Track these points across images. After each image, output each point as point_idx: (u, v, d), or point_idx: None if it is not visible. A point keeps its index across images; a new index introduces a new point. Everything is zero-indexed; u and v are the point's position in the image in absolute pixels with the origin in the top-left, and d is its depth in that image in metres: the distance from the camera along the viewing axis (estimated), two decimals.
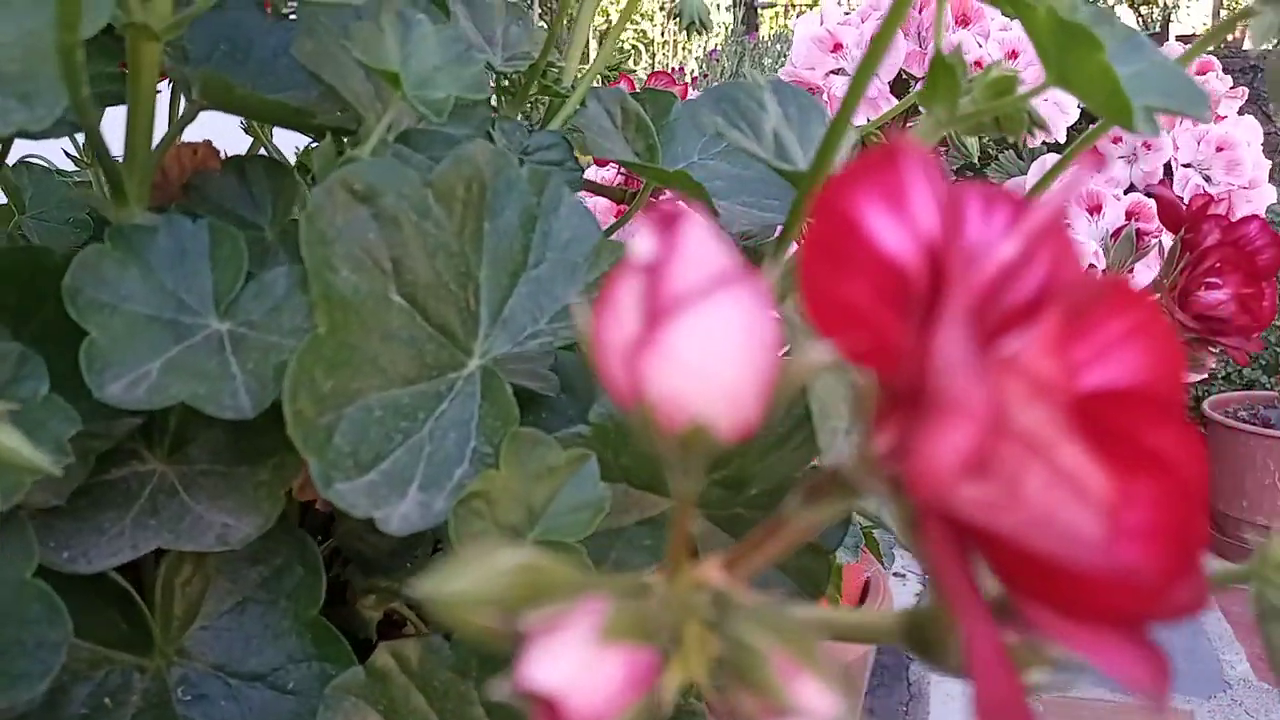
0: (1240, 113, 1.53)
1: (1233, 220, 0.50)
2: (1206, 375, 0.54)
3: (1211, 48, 1.52)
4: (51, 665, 0.32)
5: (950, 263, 0.13)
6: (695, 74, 3.66)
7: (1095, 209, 1.18)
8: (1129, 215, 1.10)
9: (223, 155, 0.45)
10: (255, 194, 0.43)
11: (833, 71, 1.17)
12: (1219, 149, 1.42)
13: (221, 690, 0.38)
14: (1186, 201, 1.52)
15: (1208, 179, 1.43)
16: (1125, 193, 1.31)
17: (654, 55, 5.14)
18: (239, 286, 0.36)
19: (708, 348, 0.13)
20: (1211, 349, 0.51)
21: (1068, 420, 0.13)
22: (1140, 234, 0.62)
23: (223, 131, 0.63)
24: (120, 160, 0.37)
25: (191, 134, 0.55)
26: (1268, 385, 3.03)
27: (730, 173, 0.53)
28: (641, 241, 0.14)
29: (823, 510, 0.17)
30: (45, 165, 0.67)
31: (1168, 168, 1.46)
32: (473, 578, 0.14)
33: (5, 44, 0.30)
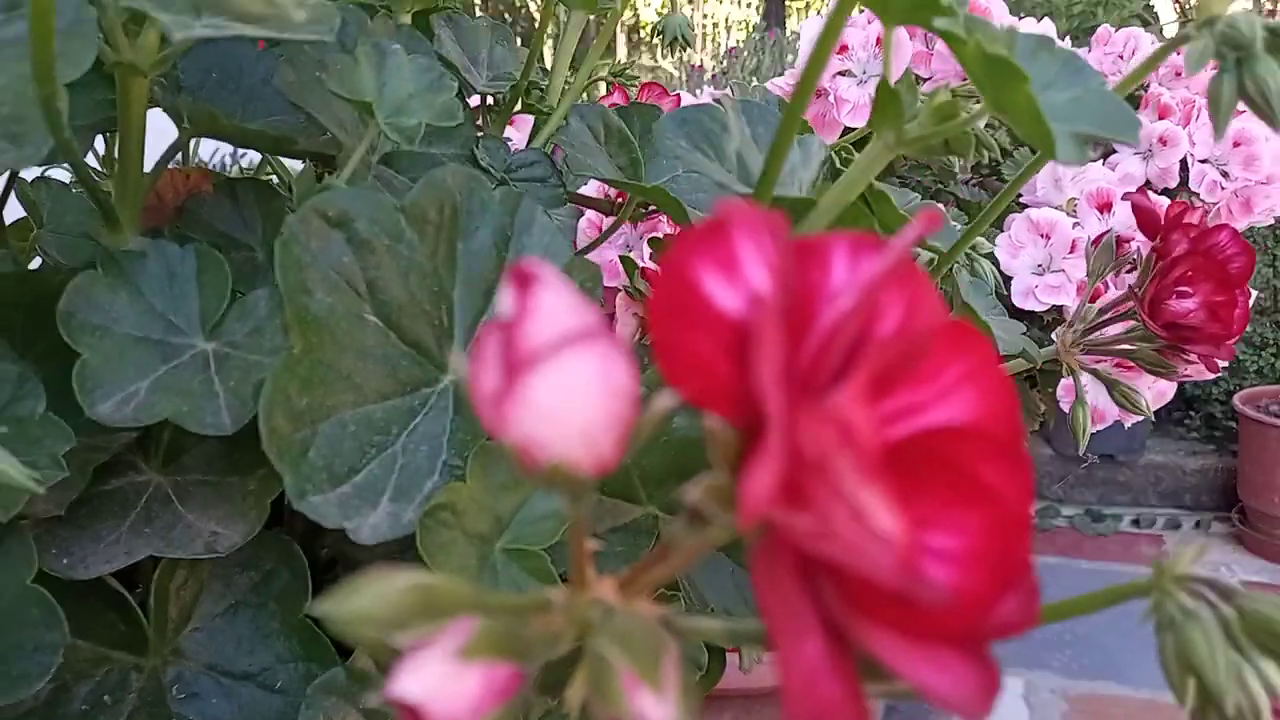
0: None
1: (1206, 228, 0.51)
2: (1217, 372, 0.55)
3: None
4: (49, 665, 0.34)
5: (763, 321, 0.15)
6: (714, 71, 3.66)
7: (1105, 207, 1.18)
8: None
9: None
10: (246, 216, 0.45)
11: (839, 73, 1.18)
12: (1236, 144, 1.41)
13: (214, 689, 0.41)
14: (1203, 197, 1.51)
15: (1225, 175, 1.42)
16: (1138, 191, 1.30)
17: (679, 54, 5.13)
18: (224, 308, 0.38)
19: (558, 397, 0.15)
20: (1185, 357, 0.52)
21: (876, 462, 0.15)
22: (1124, 241, 0.63)
23: None
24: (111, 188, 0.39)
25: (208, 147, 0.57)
26: None
27: (713, 186, 0.55)
28: (503, 299, 0.15)
29: (704, 536, 0.19)
30: (63, 181, 0.70)
31: (1184, 163, 1.45)
32: (366, 598, 0.16)
33: None
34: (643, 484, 0.43)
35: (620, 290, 0.83)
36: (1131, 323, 0.55)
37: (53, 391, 0.37)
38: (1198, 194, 1.45)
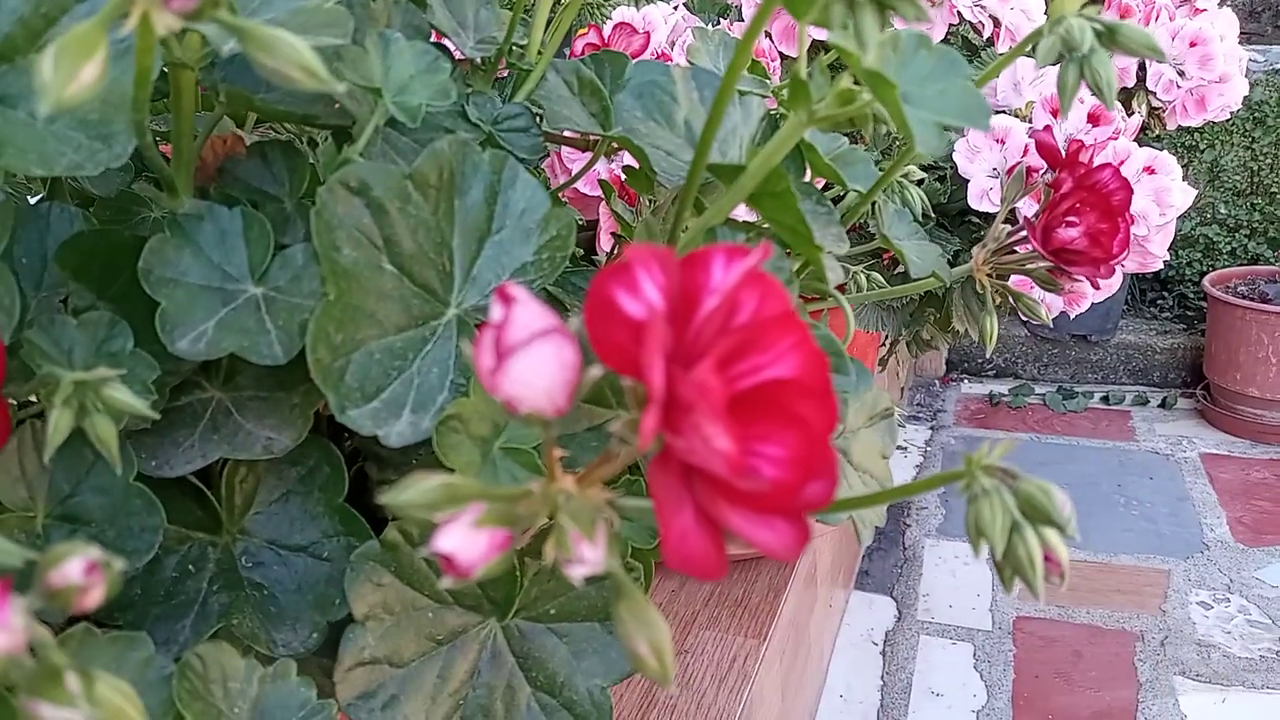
0: (1221, 4, 1.56)
1: (1092, 167, 0.60)
2: (1100, 289, 0.64)
3: None
4: (153, 544, 0.45)
5: (651, 322, 0.24)
6: None
7: (1058, 111, 1.24)
8: (1090, 119, 1.17)
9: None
10: (275, 173, 0.53)
11: None
12: (1192, 44, 1.46)
13: (274, 558, 0.51)
14: (1160, 96, 1.56)
15: (1181, 74, 1.48)
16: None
17: None
18: (269, 259, 0.47)
19: (529, 373, 0.24)
20: (1072, 277, 0.61)
21: (722, 407, 0.24)
22: (1033, 170, 0.71)
23: None
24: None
25: None
26: (1271, 260, 3.08)
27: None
28: (493, 310, 0.24)
29: (630, 450, 0.29)
30: None
31: (1142, 63, 1.50)
32: (413, 493, 0.26)
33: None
34: (612, 393, 0.53)
35: (601, 203, 0.92)
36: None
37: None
38: (1155, 92, 1.51)
